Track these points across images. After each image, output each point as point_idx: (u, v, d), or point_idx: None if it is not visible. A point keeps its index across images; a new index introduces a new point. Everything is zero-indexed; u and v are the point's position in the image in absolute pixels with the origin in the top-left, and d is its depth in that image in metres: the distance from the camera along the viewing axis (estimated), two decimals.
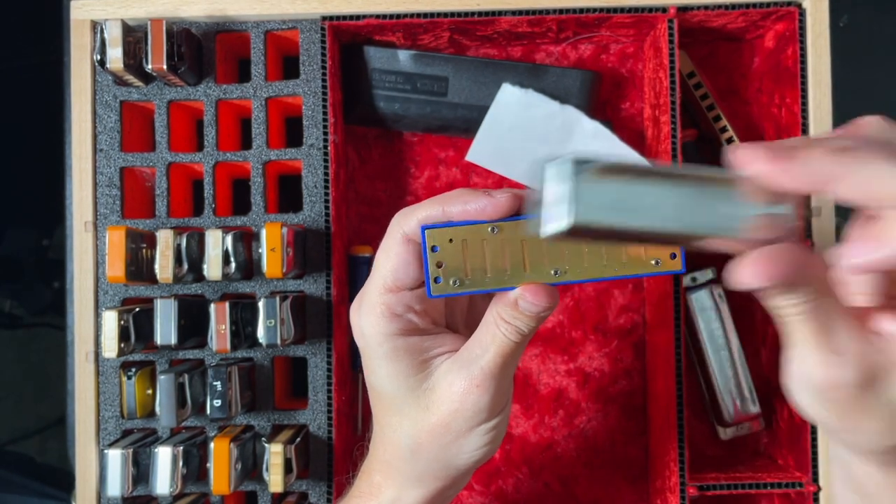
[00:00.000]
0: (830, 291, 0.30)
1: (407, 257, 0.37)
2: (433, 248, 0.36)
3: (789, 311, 0.30)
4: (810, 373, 0.31)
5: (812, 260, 0.30)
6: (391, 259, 0.37)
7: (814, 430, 0.56)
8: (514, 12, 0.57)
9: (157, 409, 0.52)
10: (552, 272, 0.35)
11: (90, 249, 0.57)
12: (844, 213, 0.66)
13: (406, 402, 0.39)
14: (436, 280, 0.36)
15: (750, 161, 0.29)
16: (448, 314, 0.41)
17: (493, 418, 0.38)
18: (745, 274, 0.28)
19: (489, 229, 0.35)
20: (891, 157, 0.27)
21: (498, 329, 0.36)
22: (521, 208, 0.36)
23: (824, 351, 0.30)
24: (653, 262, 0.34)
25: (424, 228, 0.36)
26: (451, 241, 0.36)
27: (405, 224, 0.37)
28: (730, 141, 0.62)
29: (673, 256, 0.34)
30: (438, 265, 0.36)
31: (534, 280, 0.35)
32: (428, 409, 0.38)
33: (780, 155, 0.28)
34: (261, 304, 0.52)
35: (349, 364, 0.61)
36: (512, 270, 0.35)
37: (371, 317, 0.38)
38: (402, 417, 0.39)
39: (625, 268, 0.35)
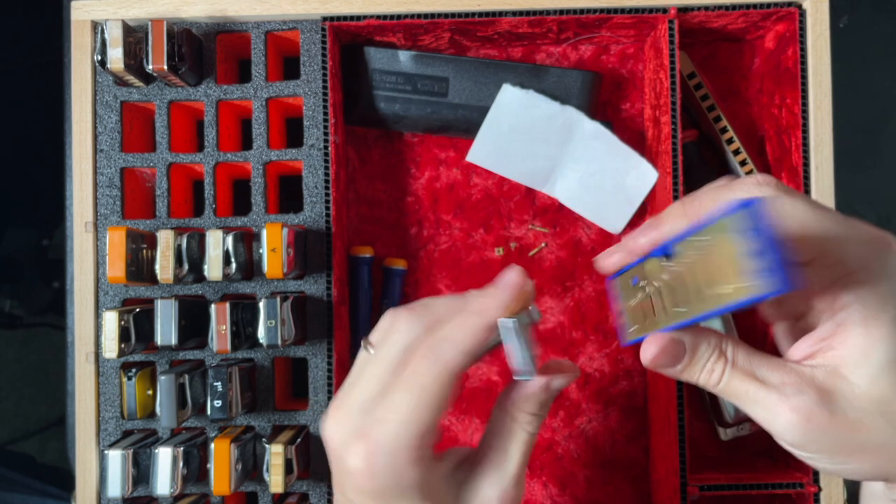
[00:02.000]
0: (732, 341, 0.34)
1: (453, 391, 0.33)
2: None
3: (710, 381, 0.34)
4: (780, 421, 0.32)
5: (700, 334, 0.34)
6: (437, 397, 0.33)
7: None
8: (514, 13, 0.57)
9: (158, 409, 0.52)
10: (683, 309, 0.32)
11: (90, 250, 0.57)
12: (845, 214, 0.66)
13: None
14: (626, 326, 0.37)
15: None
16: None
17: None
18: (645, 359, 0.34)
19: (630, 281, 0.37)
20: (724, 179, 0.37)
21: (518, 426, 0.35)
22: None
23: (773, 396, 0.32)
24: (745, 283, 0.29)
25: (611, 278, 0.38)
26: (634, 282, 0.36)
27: (452, 356, 0.33)
28: (730, 141, 0.62)
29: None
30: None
31: (701, 311, 0.31)
32: None
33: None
34: (261, 305, 0.52)
35: (349, 364, 0.61)
36: (657, 310, 0.34)
37: (405, 460, 0.32)
38: None
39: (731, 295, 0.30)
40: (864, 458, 0.31)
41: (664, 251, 0.33)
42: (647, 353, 0.33)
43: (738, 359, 0.33)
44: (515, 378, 0.37)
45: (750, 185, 0.33)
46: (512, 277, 0.35)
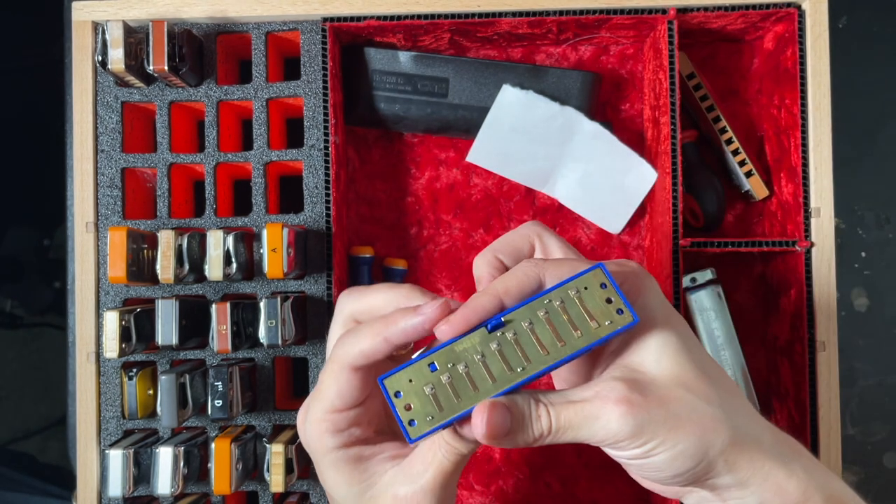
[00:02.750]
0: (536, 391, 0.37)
1: (353, 382, 0.38)
2: (396, 394, 0.35)
3: (542, 426, 0.35)
4: (612, 419, 0.34)
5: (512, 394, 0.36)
6: (337, 384, 0.38)
7: (814, 431, 0.56)
8: (514, 14, 0.57)
9: (158, 409, 0.52)
10: (518, 369, 0.35)
11: (91, 250, 0.57)
12: (844, 215, 0.66)
13: None
14: (410, 423, 0.35)
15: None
16: (389, 417, 0.43)
17: None
18: (480, 432, 0.34)
19: (428, 368, 0.35)
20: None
21: (439, 450, 0.37)
22: (458, 316, 0.36)
23: (596, 403, 0.35)
24: (607, 322, 0.35)
25: (382, 380, 0.35)
26: (410, 381, 0.35)
27: (349, 355, 0.38)
28: (729, 142, 0.62)
29: (620, 312, 0.35)
30: (407, 408, 0.35)
31: (502, 387, 0.35)
32: None
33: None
34: (262, 305, 0.52)
35: None
36: (479, 383, 0.35)
37: (316, 432, 0.39)
38: None
39: (583, 339, 0.35)
40: (686, 431, 0.34)
41: (493, 324, 0.35)
42: (481, 424, 0.34)
43: (550, 397, 0.36)
44: None
45: (534, 266, 0.37)
46: (422, 319, 0.37)
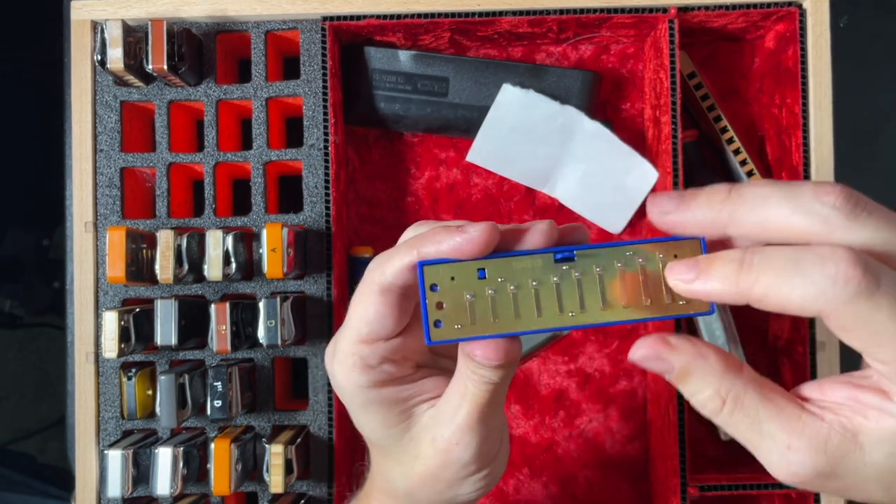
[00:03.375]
0: (743, 376, 0.30)
1: (383, 308, 0.33)
2: (432, 287, 0.31)
3: (709, 406, 0.30)
4: (773, 468, 0.30)
5: (705, 349, 0.30)
6: (367, 309, 0.34)
7: None
8: (514, 13, 0.57)
9: (158, 409, 0.52)
10: (570, 314, 0.32)
11: (90, 250, 0.57)
12: None
13: (393, 450, 0.37)
14: (436, 324, 0.31)
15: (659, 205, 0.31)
16: (434, 350, 0.38)
17: (483, 469, 0.36)
18: (638, 353, 0.31)
19: (476, 273, 0.31)
20: (775, 185, 0.29)
21: (469, 382, 0.34)
22: (507, 240, 0.32)
23: (770, 449, 0.30)
24: (681, 301, 0.31)
25: (422, 265, 0.31)
26: (452, 279, 0.31)
27: (380, 273, 0.33)
28: (730, 141, 0.62)
29: None
30: (439, 306, 0.31)
31: (545, 325, 0.32)
32: (417, 458, 0.36)
33: (680, 199, 0.31)
34: (261, 305, 0.52)
35: None
36: (522, 312, 0.32)
37: (344, 367, 0.35)
38: (393, 463, 0.38)
39: (650, 309, 0.32)
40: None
41: (562, 255, 0.32)
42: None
43: (746, 399, 0.30)
44: None
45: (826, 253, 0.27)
46: (480, 231, 0.31)
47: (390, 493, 0.39)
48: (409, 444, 0.36)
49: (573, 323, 0.32)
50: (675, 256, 0.31)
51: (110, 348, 0.52)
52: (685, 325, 0.58)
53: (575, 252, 0.32)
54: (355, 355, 0.34)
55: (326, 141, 0.57)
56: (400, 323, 0.34)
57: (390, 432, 0.36)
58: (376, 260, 0.33)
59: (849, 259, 0.26)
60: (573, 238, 0.33)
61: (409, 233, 0.35)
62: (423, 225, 0.35)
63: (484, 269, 0.31)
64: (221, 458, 0.52)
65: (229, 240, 0.53)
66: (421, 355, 0.37)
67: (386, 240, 0.64)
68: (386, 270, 0.32)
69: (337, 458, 0.56)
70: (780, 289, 0.27)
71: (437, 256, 0.31)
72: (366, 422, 0.36)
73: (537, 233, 0.32)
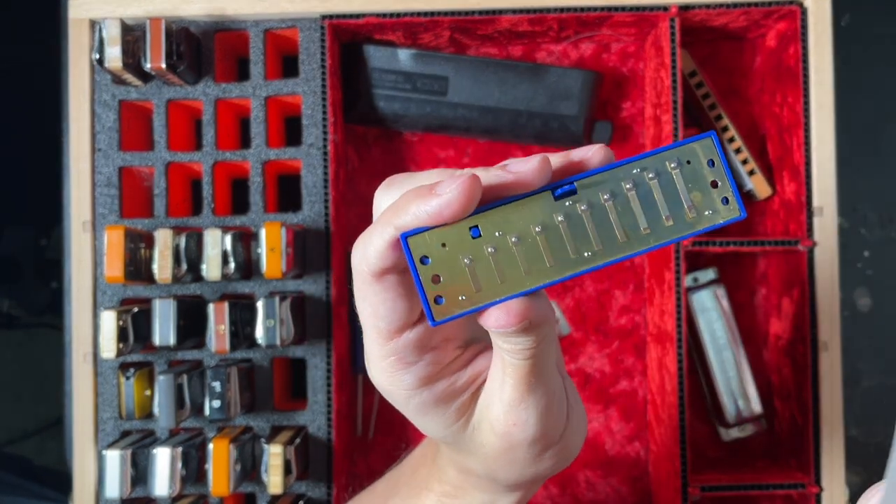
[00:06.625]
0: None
1: (386, 295, 0.29)
2: (423, 260, 0.27)
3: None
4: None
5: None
6: (371, 303, 0.29)
7: (816, 431, 0.56)
8: (514, 11, 0.56)
9: (156, 409, 0.52)
10: (586, 254, 0.27)
11: (88, 249, 0.57)
12: (847, 214, 0.65)
13: (461, 444, 0.34)
14: (437, 300, 0.27)
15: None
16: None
17: (551, 445, 0.33)
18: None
19: (469, 232, 0.27)
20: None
21: (504, 353, 0.30)
22: (495, 188, 0.27)
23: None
24: (707, 212, 0.27)
25: (405, 237, 0.27)
26: (443, 245, 0.27)
27: (364, 261, 0.28)
28: (731, 140, 0.61)
29: (725, 201, 0.27)
30: (435, 280, 0.27)
31: (560, 273, 0.27)
32: (483, 447, 0.33)
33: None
34: (260, 305, 0.52)
35: (349, 365, 0.61)
36: (532, 265, 0.27)
37: (384, 373, 0.31)
38: (465, 455, 0.35)
39: (673, 228, 0.27)
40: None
41: (562, 189, 0.27)
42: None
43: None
44: None
45: None
46: (461, 185, 0.26)
47: (470, 473, 0.36)
48: (475, 434, 0.33)
49: (590, 265, 0.27)
50: (689, 163, 0.27)
51: (108, 348, 0.51)
52: (685, 325, 0.57)
53: (575, 183, 0.27)
54: (388, 356, 0.30)
55: (325, 140, 0.57)
56: (415, 303, 0.29)
57: (453, 429, 0.33)
58: (356, 246, 0.29)
59: None
60: (578, 168, 0.29)
61: (379, 197, 0.31)
62: (392, 185, 0.30)
63: (477, 227, 0.27)
64: (220, 459, 0.52)
65: (228, 239, 0.53)
66: (465, 330, 0.32)
67: None
68: (369, 256, 0.28)
69: (336, 458, 0.56)
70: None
71: (418, 226, 0.27)
72: (426, 425, 0.33)
73: (529, 172, 0.27)
